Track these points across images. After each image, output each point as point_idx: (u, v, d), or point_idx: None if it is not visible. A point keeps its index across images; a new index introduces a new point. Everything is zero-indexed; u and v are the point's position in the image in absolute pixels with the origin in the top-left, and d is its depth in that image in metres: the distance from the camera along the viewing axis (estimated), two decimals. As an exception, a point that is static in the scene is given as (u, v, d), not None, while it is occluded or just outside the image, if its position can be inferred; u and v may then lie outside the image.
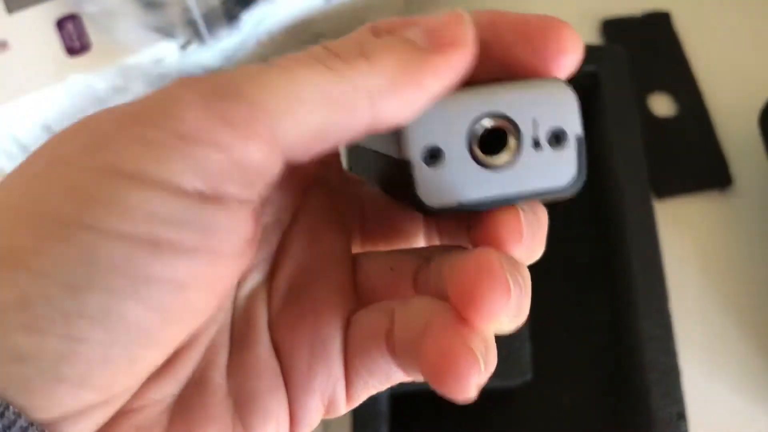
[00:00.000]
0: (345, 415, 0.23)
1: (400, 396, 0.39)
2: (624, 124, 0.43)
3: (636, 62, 0.52)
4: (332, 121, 0.17)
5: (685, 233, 0.48)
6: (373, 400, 0.37)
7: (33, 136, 0.48)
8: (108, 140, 0.16)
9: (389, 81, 0.17)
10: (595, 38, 0.53)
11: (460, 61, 0.18)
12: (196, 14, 0.43)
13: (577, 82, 0.46)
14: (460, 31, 0.18)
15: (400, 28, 0.19)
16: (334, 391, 0.20)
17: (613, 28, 0.53)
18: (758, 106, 0.47)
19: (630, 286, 0.40)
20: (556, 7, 0.55)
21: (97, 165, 0.16)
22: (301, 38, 0.50)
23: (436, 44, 0.18)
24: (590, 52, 0.45)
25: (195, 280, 0.16)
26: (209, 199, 0.16)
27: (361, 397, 0.20)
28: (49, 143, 0.17)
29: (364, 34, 0.19)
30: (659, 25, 0.53)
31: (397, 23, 0.19)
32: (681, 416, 0.37)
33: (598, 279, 0.43)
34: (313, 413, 0.20)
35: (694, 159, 0.49)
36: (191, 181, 0.16)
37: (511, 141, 0.19)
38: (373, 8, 0.51)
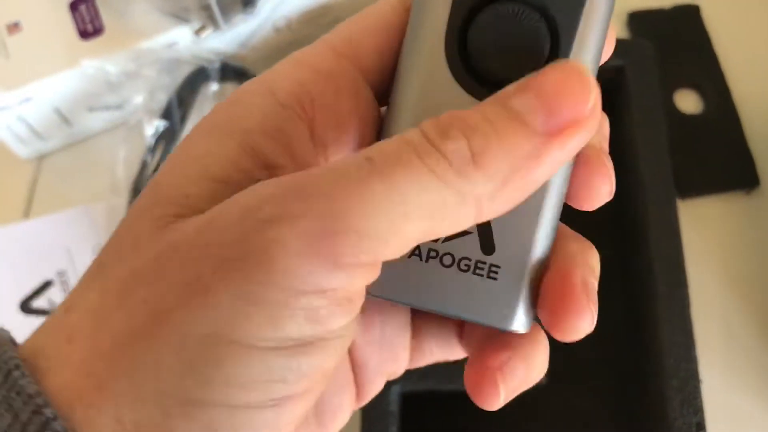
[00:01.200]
0: (354, 413, 0.23)
1: (409, 396, 0.38)
2: (649, 121, 0.42)
3: (663, 57, 0.50)
4: (434, 230, 0.16)
5: (708, 235, 0.46)
6: (382, 400, 0.36)
7: (43, 119, 0.47)
8: (208, 293, 0.15)
9: (500, 184, 0.16)
10: (621, 31, 0.52)
11: (581, 142, 0.16)
12: (212, 0, 0.42)
13: (601, 75, 0.44)
14: (583, 99, 0.16)
15: (510, 93, 0.16)
16: (397, 370, 0.22)
17: (639, 20, 0.51)
18: (790, 105, 0.45)
19: (651, 290, 0.38)
20: None
21: (206, 332, 0.15)
22: (319, 23, 0.49)
23: (554, 127, 0.16)
24: (616, 45, 0.44)
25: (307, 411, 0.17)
26: (315, 342, 0.16)
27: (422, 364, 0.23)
28: (133, 277, 0.16)
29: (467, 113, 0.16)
30: (688, 18, 0.51)
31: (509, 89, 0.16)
32: (700, 426, 0.36)
33: (618, 280, 0.42)
34: (377, 389, 0.22)
35: (720, 158, 0.48)
36: (301, 332, 0.15)
37: None
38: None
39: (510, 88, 0.16)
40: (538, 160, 0.16)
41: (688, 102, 0.50)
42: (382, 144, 0.16)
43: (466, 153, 0.15)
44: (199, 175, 0.17)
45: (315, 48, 0.20)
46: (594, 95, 0.16)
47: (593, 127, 0.16)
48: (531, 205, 0.19)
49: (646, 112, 0.42)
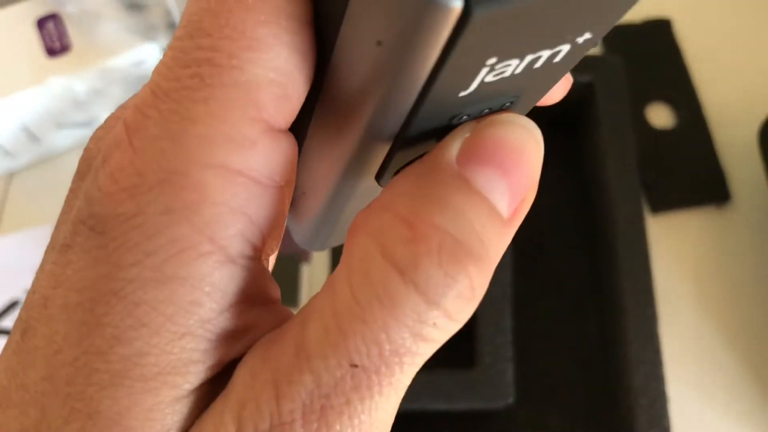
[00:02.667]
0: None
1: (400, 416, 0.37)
2: (618, 138, 0.42)
3: (634, 71, 0.50)
4: None
5: (680, 250, 0.46)
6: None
7: (12, 137, 0.47)
8: None
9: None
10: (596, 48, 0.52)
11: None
12: (177, 17, 0.42)
13: (571, 92, 0.44)
14: (534, 169, 0.13)
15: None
16: None
17: (611, 34, 0.51)
18: (759, 118, 0.45)
19: (619, 308, 0.38)
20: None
21: None
22: None
23: (511, 214, 0.13)
24: (586, 61, 0.44)
25: None
26: None
27: None
28: None
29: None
30: (659, 32, 0.52)
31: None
32: (668, 445, 0.36)
33: (588, 299, 0.42)
34: None
35: (691, 173, 0.48)
36: None
37: None
38: None
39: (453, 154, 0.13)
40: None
41: (660, 116, 0.50)
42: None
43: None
44: None
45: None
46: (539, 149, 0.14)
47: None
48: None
49: (615, 129, 0.42)
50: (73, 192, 0.16)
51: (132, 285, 0.13)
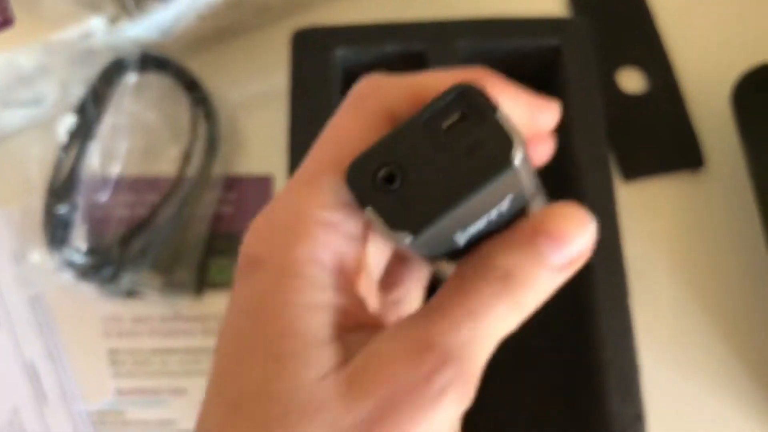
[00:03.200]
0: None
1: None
2: (587, 104, 0.40)
3: (604, 34, 0.49)
4: None
5: (653, 218, 0.45)
6: None
7: (-44, 119, 0.45)
8: None
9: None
10: (561, 9, 0.50)
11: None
12: (122, -14, 0.39)
13: (538, 56, 0.42)
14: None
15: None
16: None
17: (578, -3, 0.50)
18: (732, 81, 0.44)
19: (589, 281, 0.37)
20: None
21: None
22: (246, 9, 0.46)
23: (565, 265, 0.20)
24: (552, 25, 0.42)
25: None
26: None
27: None
28: None
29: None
30: (629, -7, 0.50)
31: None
32: (639, 418, 0.35)
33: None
34: None
35: (664, 139, 0.46)
36: None
37: None
38: (322, -23, 0.48)
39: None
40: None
41: (631, 81, 0.48)
42: None
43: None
44: None
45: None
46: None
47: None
48: None
49: (583, 95, 0.40)
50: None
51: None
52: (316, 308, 0.20)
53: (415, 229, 0.18)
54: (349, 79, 0.43)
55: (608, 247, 0.37)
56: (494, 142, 0.18)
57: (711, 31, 0.49)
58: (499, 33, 0.42)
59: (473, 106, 0.19)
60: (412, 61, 0.42)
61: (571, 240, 0.20)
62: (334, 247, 0.20)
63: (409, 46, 0.41)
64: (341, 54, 0.42)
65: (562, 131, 0.41)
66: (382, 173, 0.19)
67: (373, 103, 0.21)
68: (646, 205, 0.45)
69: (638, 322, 0.37)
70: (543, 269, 0.20)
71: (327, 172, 0.20)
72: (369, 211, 0.19)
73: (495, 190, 0.19)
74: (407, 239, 0.19)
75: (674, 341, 0.42)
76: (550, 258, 0.20)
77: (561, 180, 0.41)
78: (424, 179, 0.19)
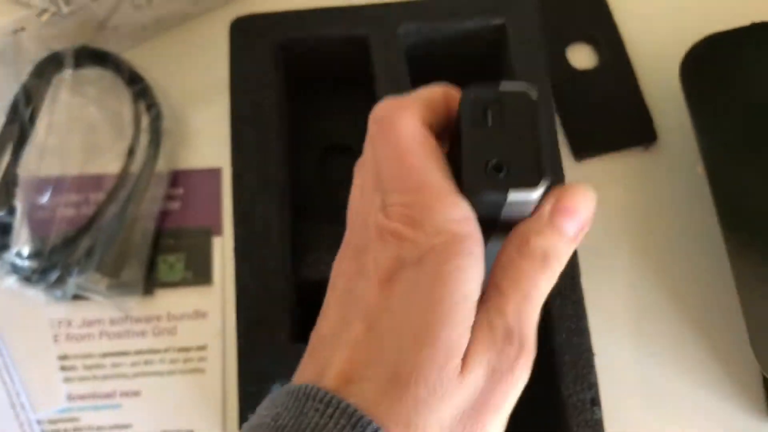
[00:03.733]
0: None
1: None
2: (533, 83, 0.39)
3: (553, 10, 0.48)
4: None
5: (607, 196, 0.45)
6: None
7: None
8: None
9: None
10: (509, -14, 0.49)
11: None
12: (49, -21, 0.38)
13: (483, 37, 0.41)
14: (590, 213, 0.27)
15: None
16: None
17: (528, -27, 0.49)
18: (681, 55, 0.43)
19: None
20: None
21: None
22: None
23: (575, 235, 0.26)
24: (496, 3, 0.41)
25: None
26: None
27: None
28: None
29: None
30: (577, -32, 0.49)
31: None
32: (595, 402, 0.35)
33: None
34: None
35: (617, 115, 0.46)
36: None
37: None
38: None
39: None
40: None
41: (581, 57, 0.47)
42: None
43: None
44: None
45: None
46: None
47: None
48: None
49: (530, 75, 0.39)
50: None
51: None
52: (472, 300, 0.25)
53: (541, 177, 0.25)
54: (290, 65, 0.42)
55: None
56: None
57: (660, 5, 0.48)
58: (442, 15, 0.41)
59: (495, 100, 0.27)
60: (355, 47, 0.41)
61: (581, 210, 0.26)
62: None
63: (350, 31, 0.40)
64: (281, 41, 0.40)
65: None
66: (491, 166, 0.25)
67: (419, 125, 0.26)
68: (599, 183, 0.44)
69: (593, 303, 0.37)
70: (565, 241, 0.25)
71: (451, 193, 0.25)
72: (512, 193, 0.25)
73: None
74: (542, 187, 0.25)
75: (630, 321, 0.42)
76: (568, 230, 0.26)
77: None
78: (513, 158, 0.25)
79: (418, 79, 0.42)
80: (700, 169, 0.40)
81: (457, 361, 0.23)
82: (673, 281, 0.43)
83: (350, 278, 0.26)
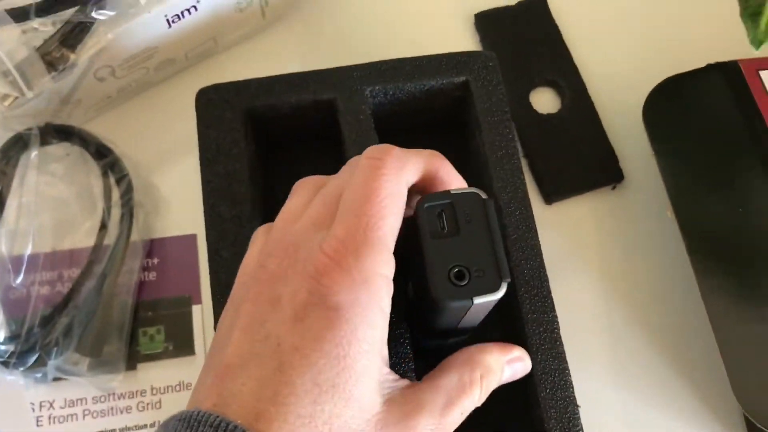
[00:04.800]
0: None
1: None
2: (500, 138, 0.40)
3: (516, 56, 0.49)
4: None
5: (580, 236, 0.45)
6: None
7: None
8: None
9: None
10: (469, 34, 0.50)
11: None
12: (9, 65, 0.38)
13: (448, 93, 0.42)
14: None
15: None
16: None
17: (487, 21, 0.49)
18: (644, 95, 0.44)
19: (519, 317, 0.37)
20: (427, 4, 0.51)
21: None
22: (146, 66, 0.45)
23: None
24: (458, 60, 0.42)
25: None
26: None
27: None
28: None
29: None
30: (535, 13, 0.50)
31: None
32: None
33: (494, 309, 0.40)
34: None
35: (583, 157, 0.47)
36: None
37: None
38: (223, 26, 0.46)
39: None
40: None
41: (545, 101, 0.48)
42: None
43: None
44: None
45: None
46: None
47: None
48: None
49: (495, 129, 0.40)
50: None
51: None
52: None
53: (501, 279, 0.29)
54: (260, 131, 0.42)
55: (533, 282, 0.37)
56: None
57: (620, 48, 0.49)
58: (407, 75, 0.41)
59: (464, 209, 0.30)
60: (323, 110, 0.41)
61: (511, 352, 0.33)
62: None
63: (317, 96, 0.41)
64: (248, 109, 0.40)
65: (480, 167, 0.41)
66: (453, 275, 0.29)
67: (403, 191, 0.28)
68: (570, 225, 0.46)
69: (568, 341, 0.37)
70: (502, 366, 0.32)
71: (389, 251, 0.27)
72: (477, 299, 0.29)
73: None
74: (503, 289, 0.29)
75: (608, 362, 0.43)
76: (505, 360, 0.32)
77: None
78: (473, 263, 0.29)
79: (386, 135, 0.42)
80: (669, 212, 0.41)
81: (368, 416, 0.25)
82: (648, 319, 0.43)
83: (261, 306, 0.26)
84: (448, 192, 0.30)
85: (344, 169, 0.30)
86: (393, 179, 0.27)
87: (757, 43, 0.31)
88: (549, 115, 0.47)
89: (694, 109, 0.43)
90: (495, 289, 0.29)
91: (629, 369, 0.42)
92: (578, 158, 0.46)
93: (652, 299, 0.44)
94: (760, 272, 0.38)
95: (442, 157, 0.31)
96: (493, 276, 0.29)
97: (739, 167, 0.40)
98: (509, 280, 0.29)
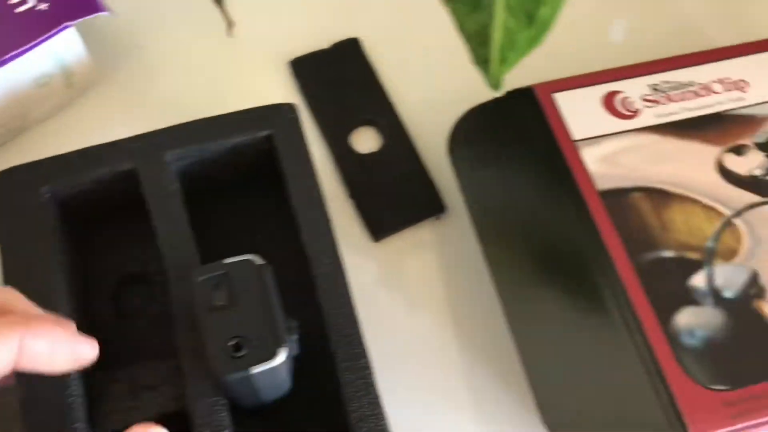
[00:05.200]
0: None
1: None
2: (302, 188, 0.40)
3: (335, 99, 0.49)
4: None
5: (409, 270, 0.46)
6: None
7: None
8: None
9: None
10: (286, 80, 0.50)
11: None
12: None
13: (253, 149, 0.42)
14: None
15: None
16: None
17: (302, 66, 0.50)
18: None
19: (333, 367, 0.37)
20: (242, 52, 0.51)
21: None
22: (9, 128, 0.44)
23: None
24: (260, 115, 0.42)
25: None
26: None
27: None
28: None
29: None
30: (350, 54, 0.51)
31: None
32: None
33: (313, 357, 0.41)
34: None
35: (406, 192, 0.47)
36: None
37: None
38: (27, 102, 0.46)
39: None
40: None
41: (365, 140, 0.49)
42: None
43: None
44: None
45: None
46: None
47: None
48: None
49: (298, 178, 0.40)
50: None
51: None
52: None
53: (278, 346, 0.31)
54: (65, 209, 0.41)
55: (344, 331, 0.38)
56: None
57: (432, 82, 0.50)
58: (208, 135, 0.41)
59: None
60: (126, 180, 0.41)
61: None
62: None
63: (118, 167, 0.40)
64: (49, 189, 0.40)
65: (290, 224, 0.41)
66: (230, 347, 0.30)
67: None
68: (399, 258, 0.46)
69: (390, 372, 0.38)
70: None
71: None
72: (254, 369, 0.30)
73: None
74: (282, 355, 0.30)
75: (424, 389, 0.43)
76: None
77: (295, 275, 0.40)
78: (250, 332, 0.30)
79: (199, 194, 0.42)
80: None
81: None
82: (472, 342, 0.44)
83: None
84: (220, 262, 0.31)
85: None
86: None
87: (495, 86, 0.32)
88: (371, 154, 0.48)
89: (495, 138, 0.44)
90: (270, 357, 0.29)
91: (453, 396, 0.43)
92: (401, 194, 0.47)
93: (480, 324, 0.45)
94: (560, 296, 0.39)
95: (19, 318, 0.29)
96: (269, 344, 0.29)
97: (536, 189, 0.41)
98: (286, 346, 0.29)
